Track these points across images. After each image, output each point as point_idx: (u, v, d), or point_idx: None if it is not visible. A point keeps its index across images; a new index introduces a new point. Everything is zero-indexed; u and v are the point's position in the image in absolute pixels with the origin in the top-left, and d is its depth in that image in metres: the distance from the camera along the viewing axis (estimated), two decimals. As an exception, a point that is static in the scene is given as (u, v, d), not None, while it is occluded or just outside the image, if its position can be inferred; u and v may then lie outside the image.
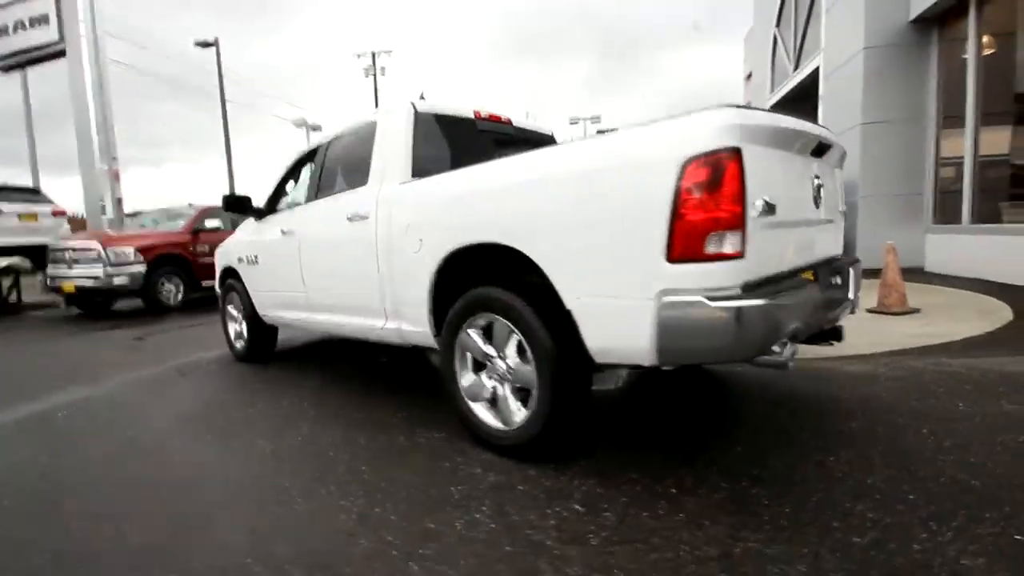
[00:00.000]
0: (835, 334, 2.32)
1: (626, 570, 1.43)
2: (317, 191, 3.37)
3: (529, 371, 2.06)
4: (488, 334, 2.27)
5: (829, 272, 2.18)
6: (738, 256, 1.57)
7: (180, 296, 8.27)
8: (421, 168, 2.71)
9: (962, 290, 5.52)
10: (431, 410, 2.83)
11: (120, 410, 3.27)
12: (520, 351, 2.13)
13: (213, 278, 8.73)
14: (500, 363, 2.22)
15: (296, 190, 4.06)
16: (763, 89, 11.91)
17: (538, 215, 1.92)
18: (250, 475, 2.24)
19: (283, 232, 3.54)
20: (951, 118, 6.78)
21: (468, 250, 2.25)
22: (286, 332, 4.49)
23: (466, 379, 2.36)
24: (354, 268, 2.89)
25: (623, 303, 1.72)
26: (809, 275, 2.01)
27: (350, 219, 2.88)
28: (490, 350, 2.25)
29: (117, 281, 7.39)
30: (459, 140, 3.06)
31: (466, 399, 2.35)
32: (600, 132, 2.15)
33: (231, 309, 4.53)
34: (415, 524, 1.72)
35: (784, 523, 1.60)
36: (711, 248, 1.55)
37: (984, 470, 1.87)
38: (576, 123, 26.81)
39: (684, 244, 1.56)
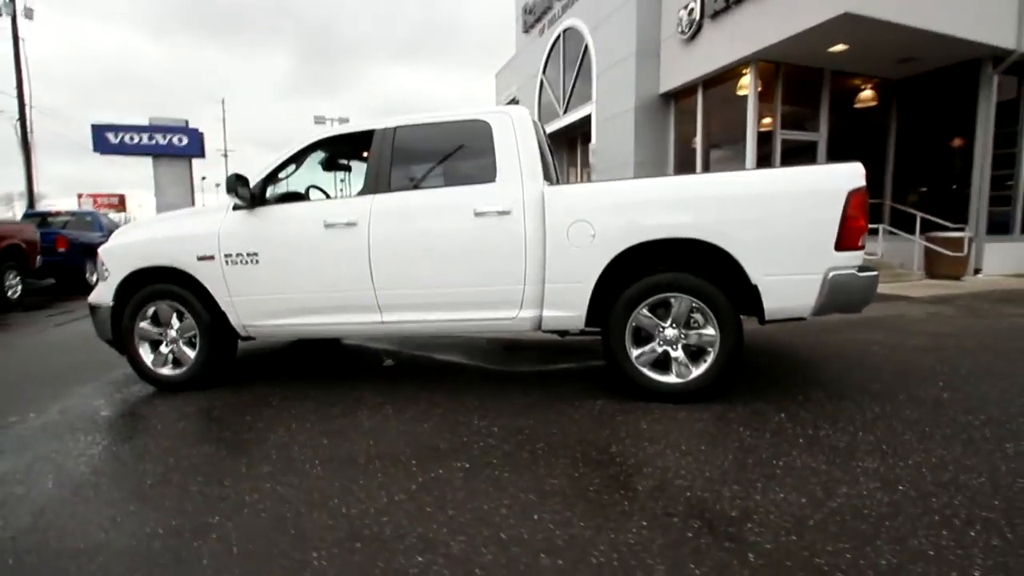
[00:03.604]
0: None
1: (868, 426, 2.40)
2: (390, 183, 3.14)
3: (710, 335, 2.80)
4: (653, 311, 2.87)
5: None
6: (863, 248, 2.72)
7: None
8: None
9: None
10: (552, 389, 3.16)
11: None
12: (689, 321, 2.84)
13: None
14: (671, 332, 2.86)
15: (288, 178, 3.52)
16: (532, 121, 14.28)
17: (736, 218, 2.69)
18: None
19: (330, 224, 3.12)
20: (683, 161, 10.00)
21: (644, 245, 2.81)
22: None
23: (637, 350, 2.89)
24: (482, 261, 2.96)
25: (801, 277, 2.68)
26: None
27: (480, 214, 2.94)
28: (661, 323, 2.86)
29: None
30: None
31: (638, 366, 2.89)
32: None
33: (145, 326, 3.46)
34: (720, 450, 2.29)
35: (873, 401, 2.85)
36: (859, 243, 2.66)
37: (905, 364, 3.56)
38: (323, 122, 25.49)
39: (847, 240, 2.63)
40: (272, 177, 3.37)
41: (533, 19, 13.78)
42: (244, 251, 3.24)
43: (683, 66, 9.31)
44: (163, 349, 3.46)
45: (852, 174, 2.66)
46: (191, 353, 3.42)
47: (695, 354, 2.88)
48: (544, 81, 13.66)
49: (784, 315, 2.79)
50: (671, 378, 2.88)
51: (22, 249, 8.21)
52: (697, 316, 2.84)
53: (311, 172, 4.09)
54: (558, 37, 12.70)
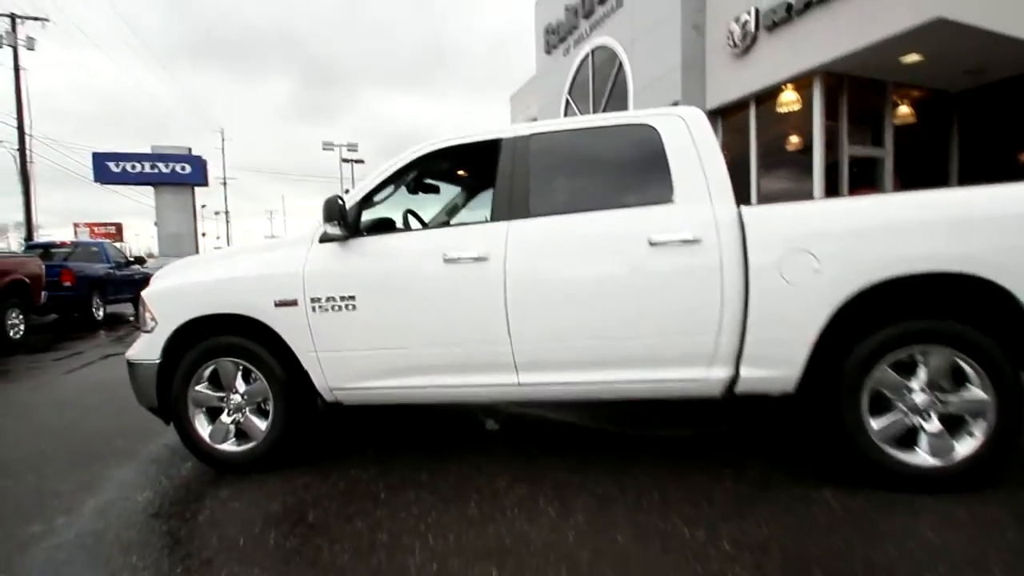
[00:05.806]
0: None
1: None
2: (528, 205, 2.46)
3: (979, 399, 2.09)
4: (897, 368, 2.17)
5: None
6: None
7: None
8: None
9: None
10: (734, 468, 2.43)
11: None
12: (948, 381, 2.14)
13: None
14: (921, 396, 2.16)
15: (385, 201, 2.84)
16: (557, 143, 13.79)
17: (1015, 246, 2.02)
18: None
19: (451, 260, 2.42)
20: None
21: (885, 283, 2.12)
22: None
23: (876, 421, 2.18)
24: (660, 305, 2.27)
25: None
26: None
27: (656, 244, 2.26)
28: (908, 384, 2.16)
29: None
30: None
31: (878, 442, 2.17)
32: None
33: (202, 389, 2.72)
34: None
35: None
36: None
37: None
38: (331, 148, 25.04)
39: None
40: (367, 201, 2.69)
41: (557, 39, 13.39)
42: (337, 294, 2.53)
43: (734, 81, 8.82)
44: (224, 419, 2.72)
45: None
46: (261, 424, 2.68)
47: (950, 425, 2.18)
48: (570, 101, 13.20)
49: (1080, 373, 2.11)
50: (925, 457, 2.16)
51: (26, 285, 7.45)
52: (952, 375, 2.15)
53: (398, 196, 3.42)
54: (587, 56, 12.27)
